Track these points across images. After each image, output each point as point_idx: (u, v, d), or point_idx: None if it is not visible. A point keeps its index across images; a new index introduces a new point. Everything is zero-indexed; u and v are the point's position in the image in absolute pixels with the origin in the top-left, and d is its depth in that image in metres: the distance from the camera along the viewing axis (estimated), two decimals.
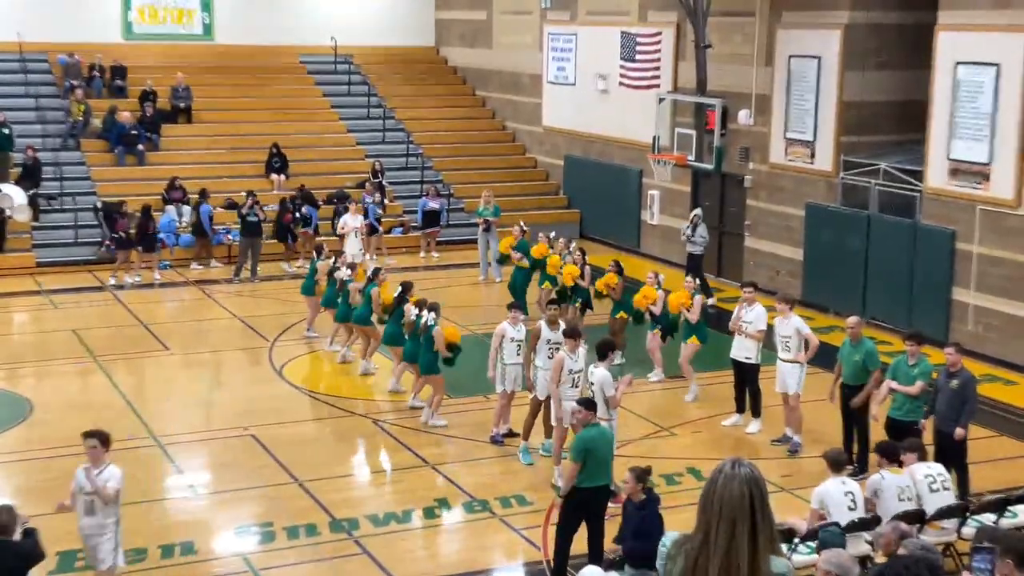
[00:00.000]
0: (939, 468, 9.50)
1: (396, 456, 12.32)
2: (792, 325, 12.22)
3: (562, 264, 16.35)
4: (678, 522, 10.29)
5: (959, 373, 10.69)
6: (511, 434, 12.28)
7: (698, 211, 19.71)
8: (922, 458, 9.47)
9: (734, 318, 12.84)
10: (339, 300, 15.21)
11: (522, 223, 18.59)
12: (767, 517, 3.32)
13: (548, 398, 11.63)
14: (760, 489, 3.33)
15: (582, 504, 9.17)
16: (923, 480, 9.23)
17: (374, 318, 14.46)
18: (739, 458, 3.50)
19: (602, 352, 10.75)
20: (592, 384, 10.68)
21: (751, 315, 12.69)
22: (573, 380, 11.07)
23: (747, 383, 12.87)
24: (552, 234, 17.62)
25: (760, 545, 3.28)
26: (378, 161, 24.19)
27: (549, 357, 11.75)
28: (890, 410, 11.13)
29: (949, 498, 9.31)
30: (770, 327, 12.67)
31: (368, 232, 21.22)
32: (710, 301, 13.84)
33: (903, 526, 7.23)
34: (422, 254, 22.04)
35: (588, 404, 9.60)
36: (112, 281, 19.61)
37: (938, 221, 16.67)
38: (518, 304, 13.02)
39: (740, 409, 13.07)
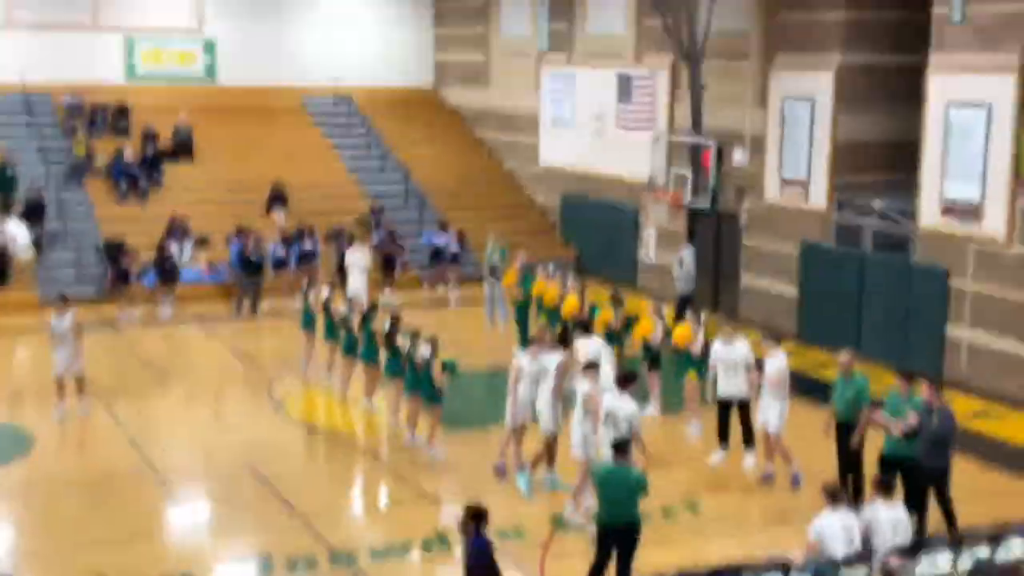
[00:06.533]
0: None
1: (395, 489, 12.39)
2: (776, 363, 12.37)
3: (561, 296, 16.46)
4: (674, 556, 10.40)
5: (940, 409, 10.79)
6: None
7: (682, 249, 20.05)
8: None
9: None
10: (342, 333, 15.28)
11: (523, 256, 18.71)
12: None
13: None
14: None
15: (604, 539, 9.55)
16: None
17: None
18: None
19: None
20: (577, 396, 11.00)
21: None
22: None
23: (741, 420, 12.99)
24: (551, 267, 17.78)
25: None
26: (375, 201, 24.42)
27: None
28: (884, 447, 11.18)
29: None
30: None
31: (384, 269, 21.62)
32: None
33: (891, 562, 7.29)
34: (425, 288, 22.24)
35: (622, 446, 9.67)
36: (124, 317, 19.75)
37: (931, 259, 16.87)
38: (535, 342, 12.82)
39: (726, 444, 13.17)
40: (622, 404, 10.97)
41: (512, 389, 12.28)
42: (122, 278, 20.39)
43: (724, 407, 12.99)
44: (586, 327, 14.41)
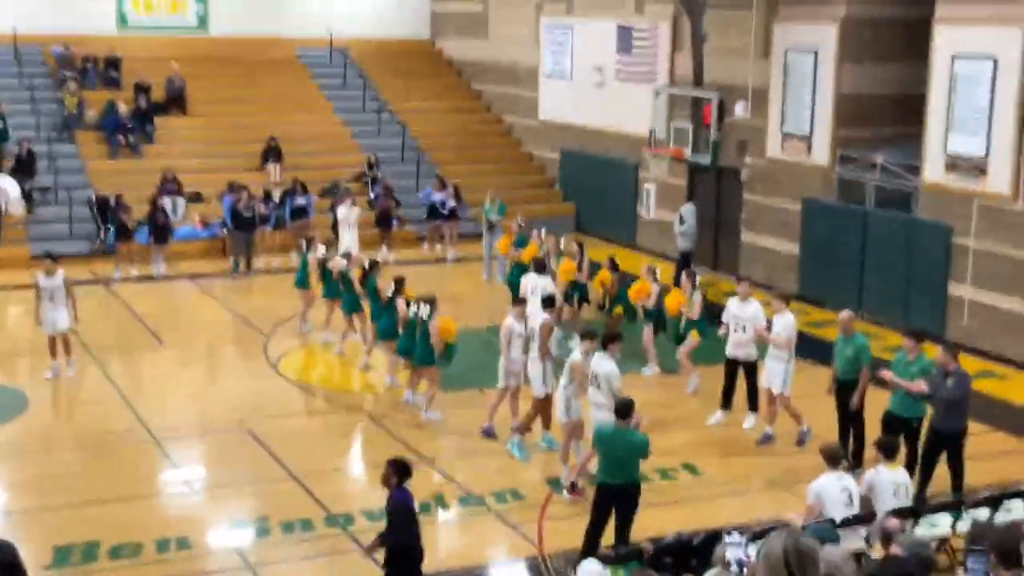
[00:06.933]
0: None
1: (391, 450, 12.24)
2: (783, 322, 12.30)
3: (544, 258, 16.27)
4: (672, 519, 10.33)
5: (954, 372, 10.69)
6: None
7: (682, 206, 19.89)
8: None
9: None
10: (344, 291, 15.07)
11: (520, 218, 18.57)
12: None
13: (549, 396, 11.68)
14: (799, 553, 3.64)
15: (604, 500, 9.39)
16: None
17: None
18: (789, 527, 3.84)
19: (601, 342, 11.00)
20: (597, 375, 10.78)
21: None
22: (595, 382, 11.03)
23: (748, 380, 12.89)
24: (543, 231, 17.50)
25: None
26: (373, 154, 24.13)
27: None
28: (890, 405, 11.08)
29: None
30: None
31: (380, 225, 21.34)
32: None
33: (889, 524, 7.23)
34: (425, 247, 22.09)
35: (623, 410, 9.50)
36: (118, 275, 19.56)
37: (935, 215, 16.66)
38: (524, 300, 12.93)
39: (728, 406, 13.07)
40: (601, 363, 10.81)
41: (504, 350, 12.16)
42: (123, 234, 20.12)
43: (731, 367, 12.88)
44: (542, 267, 14.95)
